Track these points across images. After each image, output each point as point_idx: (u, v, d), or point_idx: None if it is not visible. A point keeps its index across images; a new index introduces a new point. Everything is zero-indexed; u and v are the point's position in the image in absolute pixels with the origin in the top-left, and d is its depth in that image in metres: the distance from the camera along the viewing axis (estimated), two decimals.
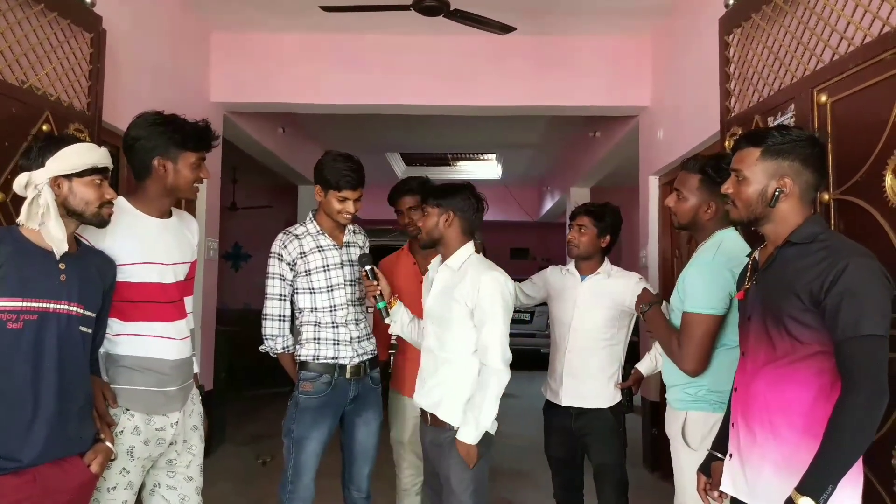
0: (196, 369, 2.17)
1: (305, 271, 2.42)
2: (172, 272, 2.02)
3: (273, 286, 2.44)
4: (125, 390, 1.91)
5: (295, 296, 2.46)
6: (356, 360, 2.43)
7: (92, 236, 1.88)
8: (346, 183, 2.37)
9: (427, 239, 2.25)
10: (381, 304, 2.34)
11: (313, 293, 2.42)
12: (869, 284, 1.39)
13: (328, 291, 2.42)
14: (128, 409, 1.90)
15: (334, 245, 2.46)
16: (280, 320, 2.45)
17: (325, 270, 2.43)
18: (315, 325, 2.43)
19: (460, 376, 2.16)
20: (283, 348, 2.45)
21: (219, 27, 4.52)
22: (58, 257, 1.69)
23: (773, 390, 1.49)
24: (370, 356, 2.50)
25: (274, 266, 2.44)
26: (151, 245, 1.97)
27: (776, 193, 1.54)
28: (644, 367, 2.72)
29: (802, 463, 1.38)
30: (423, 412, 2.27)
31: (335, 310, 2.43)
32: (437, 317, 2.23)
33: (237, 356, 5.52)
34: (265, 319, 2.45)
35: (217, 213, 4.78)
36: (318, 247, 2.44)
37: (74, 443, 1.71)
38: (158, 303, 1.97)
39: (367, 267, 2.34)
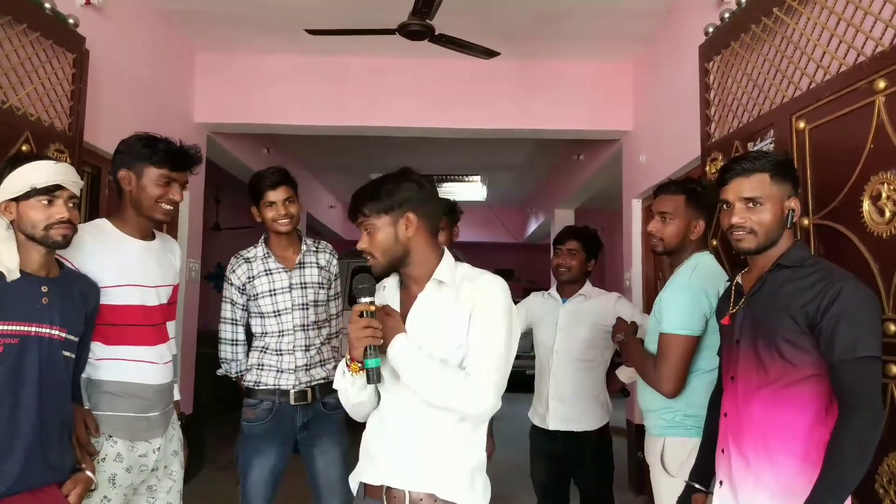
0: (177, 396, 2.14)
1: (253, 296, 2.38)
2: (155, 294, 2.00)
3: (224, 310, 2.43)
4: (107, 416, 1.87)
5: (250, 320, 2.42)
6: (302, 386, 2.34)
7: (74, 258, 1.85)
8: (268, 185, 2.33)
9: (386, 262, 1.53)
10: (374, 363, 1.47)
11: (263, 318, 2.38)
12: (863, 307, 1.41)
13: (276, 316, 2.37)
14: (110, 436, 1.86)
15: (283, 268, 2.39)
16: (233, 344, 2.43)
17: (271, 295, 2.37)
18: (262, 351, 2.39)
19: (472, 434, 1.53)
20: (237, 373, 2.43)
21: (204, 48, 4.52)
22: (8, 280, 1.63)
23: (769, 414, 1.49)
24: (322, 382, 2.38)
25: (226, 290, 2.42)
26: (133, 267, 1.95)
27: (790, 214, 1.55)
28: (624, 374, 2.63)
29: (800, 488, 1.38)
30: (372, 489, 1.53)
31: (282, 335, 2.37)
32: (444, 354, 1.50)
33: (218, 379, 5.42)
34: (219, 343, 2.44)
35: (200, 233, 4.73)
36: (265, 270, 2.38)
37: (53, 471, 1.66)
38: (141, 326, 1.95)
39: (368, 299, 1.50)
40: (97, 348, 1.89)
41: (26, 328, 1.62)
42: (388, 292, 1.62)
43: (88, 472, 1.74)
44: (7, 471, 1.56)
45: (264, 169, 2.40)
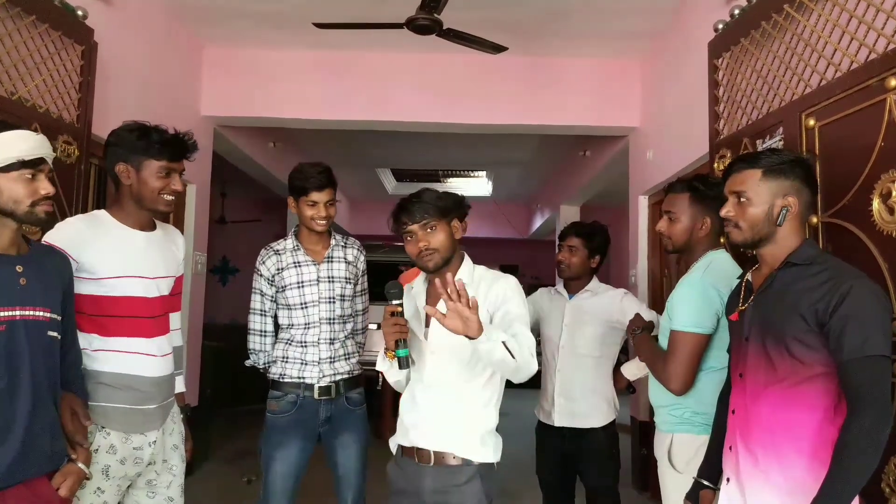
0: (181, 388, 2.13)
1: (281, 287, 2.40)
2: (156, 286, 1.97)
3: (254, 301, 2.46)
4: (103, 408, 1.85)
5: (278, 312, 2.45)
6: (326, 381, 2.36)
7: (72, 249, 1.81)
8: (314, 185, 2.33)
9: (441, 260, 1.87)
10: (404, 352, 1.83)
11: (290, 309, 2.40)
12: (873, 306, 1.40)
13: (302, 308, 2.39)
14: (103, 427, 1.84)
15: (312, 261, 2.42)
16: (261, 335, 2.46)
17: (298, 287, 2.39)
18: (287, 343, 2.41)
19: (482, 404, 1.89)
20: (264, 364, 2.46)
21: (211, 41, 4.52)
22: None
23: (778, 412, 1.48)
24: (346, 376, 2.41)
25: (255, 281, 2.46)
26: (134, 258, 1.92)
27: (783, 212, 1.55)
28: (628, 371, 2.61)
29: (809, 487, 1.38)
30: (406, 450, 1.91)
31: (308, 327, 2.39)
32: (457, 346, 1.80)
33: (224, 371, 5.44)
34: (248, 334, 2.48)
35: (206, 226, 4.75)
36: (294, 262, 2.41)
37: (47, 460, 1.60)
38: (141, 318, 1.93)
39: (397, 301, 1.86)
40: (95, 340, 1.86)
41: (10, 313, 1.54)
42: (416, 290, 1.99)
43: (80, 464, 1.67)
44: (3, 462, 1.50)
45: (310, 165, 2.38)
